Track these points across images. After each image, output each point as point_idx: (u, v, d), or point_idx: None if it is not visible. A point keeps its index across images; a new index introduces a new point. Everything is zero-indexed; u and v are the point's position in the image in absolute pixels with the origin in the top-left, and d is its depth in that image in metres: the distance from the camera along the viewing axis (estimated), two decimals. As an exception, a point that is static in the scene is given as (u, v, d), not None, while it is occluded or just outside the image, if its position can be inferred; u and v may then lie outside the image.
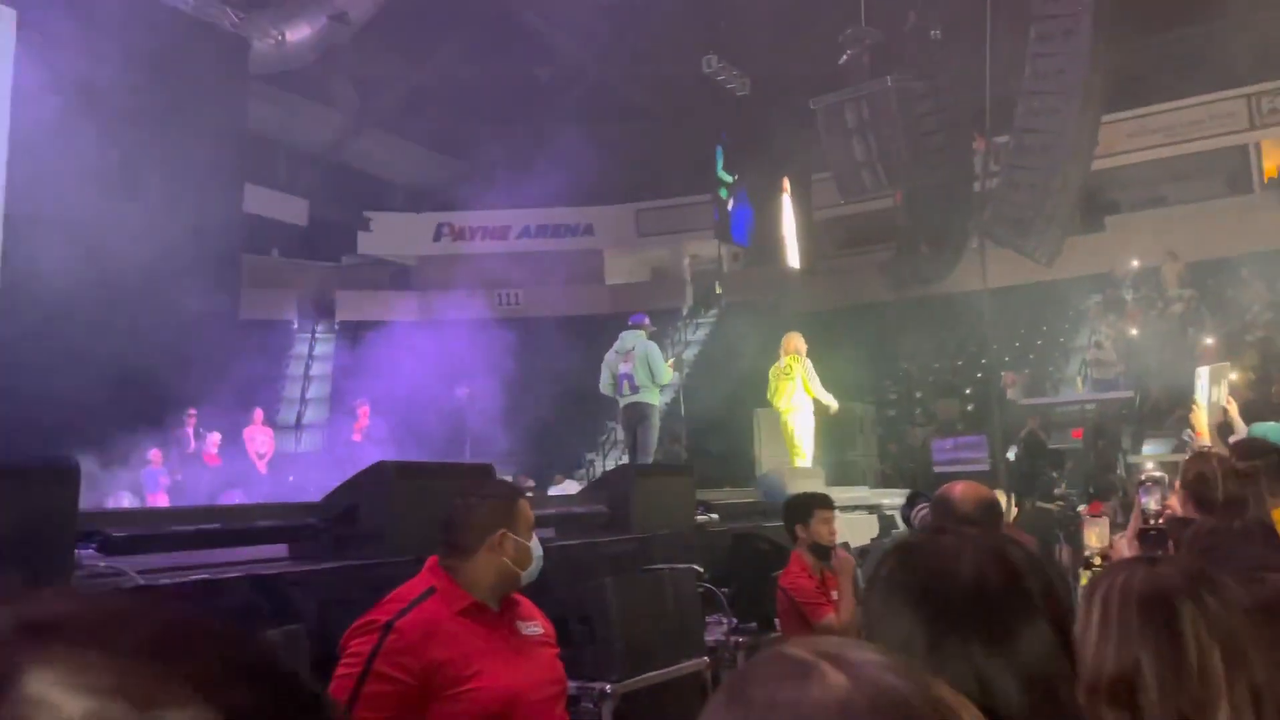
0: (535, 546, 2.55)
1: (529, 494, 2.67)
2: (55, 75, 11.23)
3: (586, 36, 15.82)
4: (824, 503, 4.75)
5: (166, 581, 3.51)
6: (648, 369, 8.70)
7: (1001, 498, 7.53)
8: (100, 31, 11.61)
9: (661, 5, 16.71)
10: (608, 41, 16.05)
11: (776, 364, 9.37)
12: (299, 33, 17.07)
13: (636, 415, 8.80)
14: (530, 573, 2.53)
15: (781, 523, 4.90)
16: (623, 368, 8.76)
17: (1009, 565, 1.13)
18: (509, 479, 6.05)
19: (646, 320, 9.33)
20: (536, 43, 16.17)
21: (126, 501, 10.79)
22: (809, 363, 9.20)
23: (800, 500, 4.84)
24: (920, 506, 2.64)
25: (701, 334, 21.38)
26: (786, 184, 17.77)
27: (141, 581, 3.34)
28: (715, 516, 6.63)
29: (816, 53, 13.19)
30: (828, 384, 9.18)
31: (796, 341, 9.30)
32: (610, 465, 15.91)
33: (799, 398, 9.12)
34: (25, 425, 9.35)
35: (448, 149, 21.59)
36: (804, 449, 9.13)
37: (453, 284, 20.99)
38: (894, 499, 8.11)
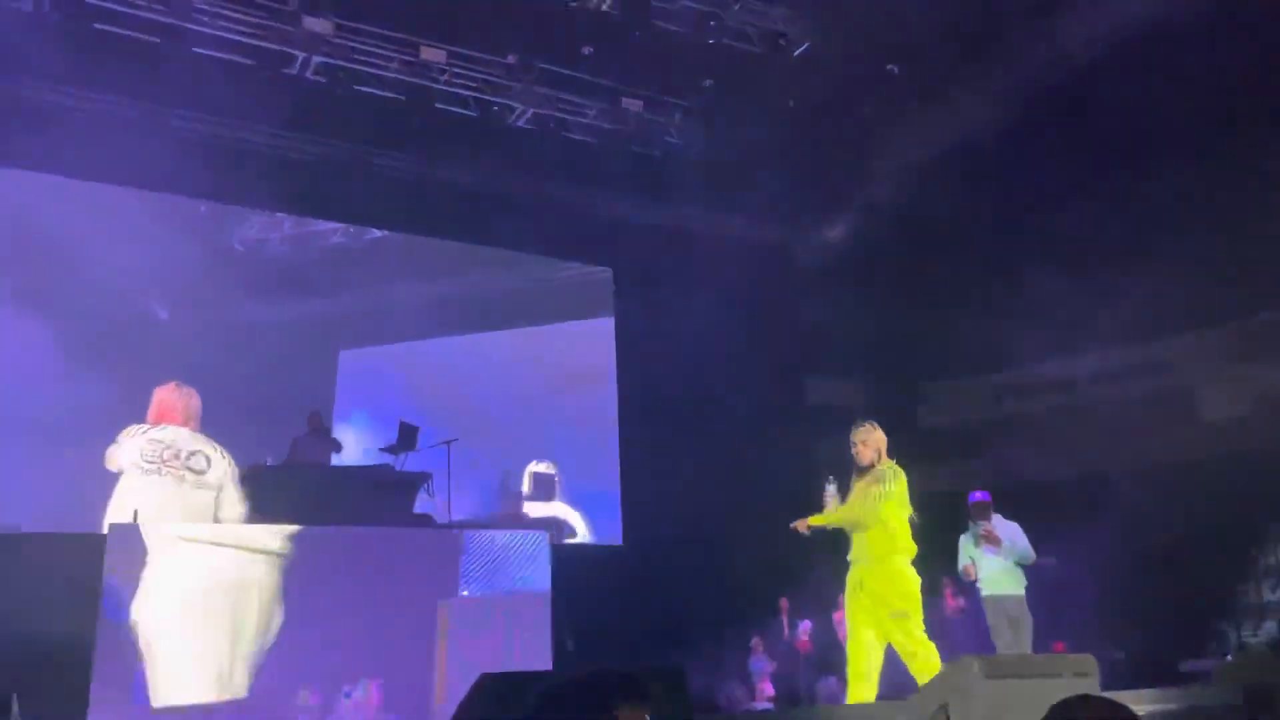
0: None
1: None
2: (650, 319, 13.42)
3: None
4: None
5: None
6: None
7: None
8: (685, 272, 13.65)
9: None
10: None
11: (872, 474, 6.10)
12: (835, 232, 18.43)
13: None
14: None
15: None
16: None
17: None
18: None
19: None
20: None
21: (737, 692, 11.72)
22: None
23: None
24: None
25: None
26: None
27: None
28: None
29: None
30: None
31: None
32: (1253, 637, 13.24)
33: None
34: (652, 629, 10.80)
35: (1006, 314, 21.15)
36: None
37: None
38: None
